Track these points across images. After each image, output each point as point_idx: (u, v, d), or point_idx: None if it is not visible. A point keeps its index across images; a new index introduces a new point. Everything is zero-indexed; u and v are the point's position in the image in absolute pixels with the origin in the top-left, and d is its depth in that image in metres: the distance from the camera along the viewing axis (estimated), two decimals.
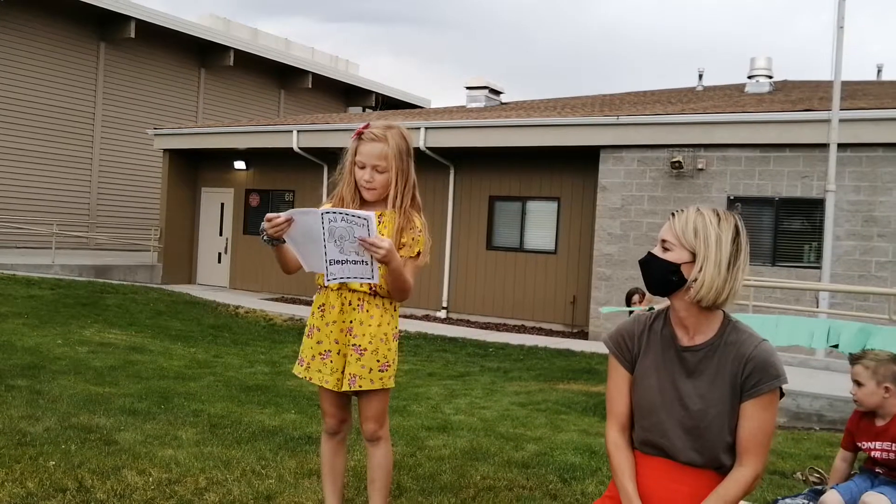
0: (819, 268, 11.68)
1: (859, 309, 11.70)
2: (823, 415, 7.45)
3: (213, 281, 20.34)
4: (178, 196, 20.34)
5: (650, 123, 13.88)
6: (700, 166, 13.43)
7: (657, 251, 2.38)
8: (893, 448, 3.56)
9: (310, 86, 29.83)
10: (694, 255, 2.30)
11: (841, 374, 8.45)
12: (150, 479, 4.08)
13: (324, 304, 3.16)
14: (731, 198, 13.27)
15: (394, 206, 3.11)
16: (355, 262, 2.86)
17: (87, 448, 4.57)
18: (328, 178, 18.08)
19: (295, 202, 18.75)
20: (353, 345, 3.10)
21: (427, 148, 15.82)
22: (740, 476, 2.29)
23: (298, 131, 17.73)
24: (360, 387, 3.08)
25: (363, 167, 3.09)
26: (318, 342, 3.16)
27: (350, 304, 3.11)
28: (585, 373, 10.03)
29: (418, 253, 3.13)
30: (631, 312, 9.27)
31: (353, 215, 2.78)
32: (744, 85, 18.17)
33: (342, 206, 3.07)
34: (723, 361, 2.34)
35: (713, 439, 2.32)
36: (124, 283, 17.42)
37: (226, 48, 26.25)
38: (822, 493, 3.76)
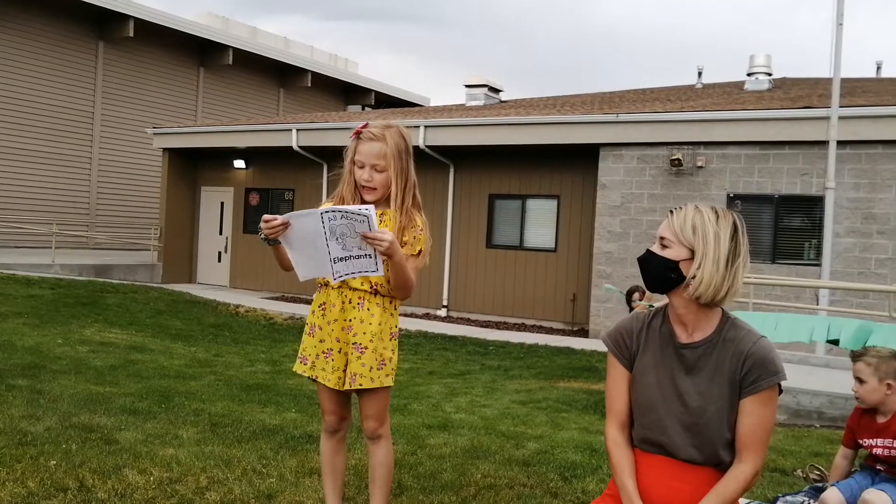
0: (819, 265, 11.68)
1: (859, 306, 11.71)
2: (823, 412, 7.46)
3: (213, 280, 20.34)
4: (178, 195, 20.34)
5: (650, 121, 13.88)
6: (700, 164, 13.43)
7: (656, 248, 2.38)
8: (895, 445, 3.57)
9: (309, 84, 29.82)
10: (692, 252, 2.30)
11: (841, 371, 8.46)
12: (151, 478, 4.08)
13: (324, 303, 3.17)
14: (731, 195, 13.27)
15: (394, 206, 3.11)
16: (359, 257, 2.86)
17: (87, 447, 4.57)
18: (328, 177, 18.09)
19: (295, 201, 18.75)
20: (353, 343, 3.10)
21: (426, 146, 15.82)
22: (740, 473, 2.29)
23: (298, 130, 17.73)
24: (361, 385, 3.08)
25: (362, 167, 3.10)
26: (320, 340, 3.16)
27: (350, 303, 3.12)
28: (586, 371, 10.03)
29: (420, 251, 3.13)
30: (631, 308, 9.23)
31: (353, 212, 2.78)
32: (743, 82, 18.17)
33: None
34: (722, 358, 2.34)
35: (712, 436, 2.33)
36: (124, 282, 17.42)
37: (225, 47, 26.24)
38: (822, 490, 3.77)
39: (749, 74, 17.90)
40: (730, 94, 17.14)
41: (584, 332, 14.62)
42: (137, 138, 23.76)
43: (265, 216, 2.90)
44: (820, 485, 3.99)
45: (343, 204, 3.10)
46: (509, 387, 8.67)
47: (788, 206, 13.01)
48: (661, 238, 2.37)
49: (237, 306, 15.10)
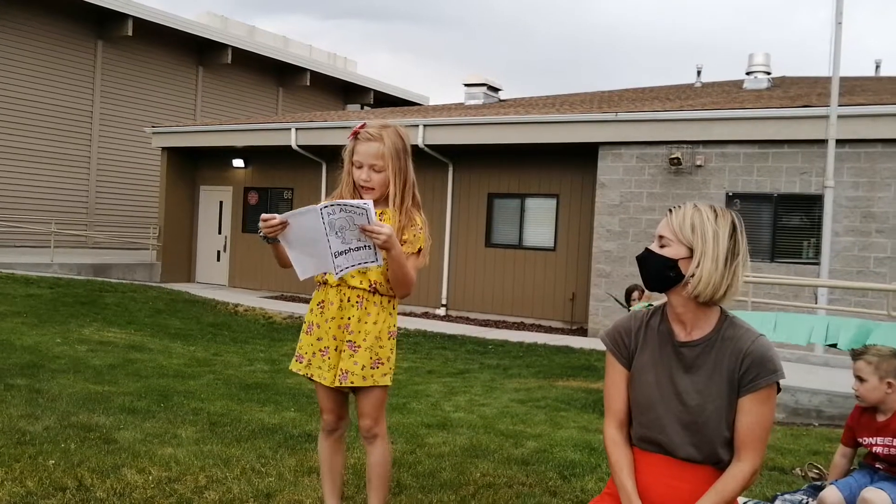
0: (818, 264, 11.68)
1: (858, 305, 11.71)
2: (822, 411, 7.46)
3: (212, 279, 20.34)
4: (177, 194, 20.33)
5: (649, 120, 13.89)
6: (699, 163, 13.44)
7: (654, 247, 2.38)
8: (894, 444, 3.57)
9: (308, 83, 29.80)
10: (691, 250, 2.30)
11: (840, 369, 8.47)
12: (150, 477, 4.08)
13: (323, 301, 3.17)
14: (730, 194, 13.27)
15: (393, 205, 3.11)
16: (358, 249, 2.87)
17: (86, 447, 4.57)
18: (326, 176, 18.09)
19: (294, 200, 18.74)
20: (348, 341, 3.10)
21: (425, 145, 15.82)
22: (738, 471, 2.29)
23: (297, 129, 17.72)
24: (352, 383, 3.08)
25: (360, 167, 3.11)
26: (318, 339, 3.16)
27: (349, 301, 3.12)
28: (585, 369, 10.04)
29: (419, 250, 3.14)
30: (629, 307, 9.23)
31: (351, 205, 2.79)
32: (742, 81, 18.17)
33: None
34: (720, 356, 2.34)
35: (711, 434, 2.33)
36: (123, 281, 17.42)
37: (224, 46, 26.22)
38: (821, 489, 3.77)
39: (748, 73, 17.90)
40: (729, 92, 17.15)
41: (583, 331, 14.62)
42: (136, 137, 23.75)
43: (264, 215, 2.92)
44: (819, 483, 3.99)
45: None
46: (508, 386, 8.67)
47: (787, 204, 13.02)
48: (660, 237, 2.37)
49: (236, 305, 15.10)
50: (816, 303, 10.84)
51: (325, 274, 3.15)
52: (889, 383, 3.58)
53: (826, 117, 11.29)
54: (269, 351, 10.37)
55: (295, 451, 4.81)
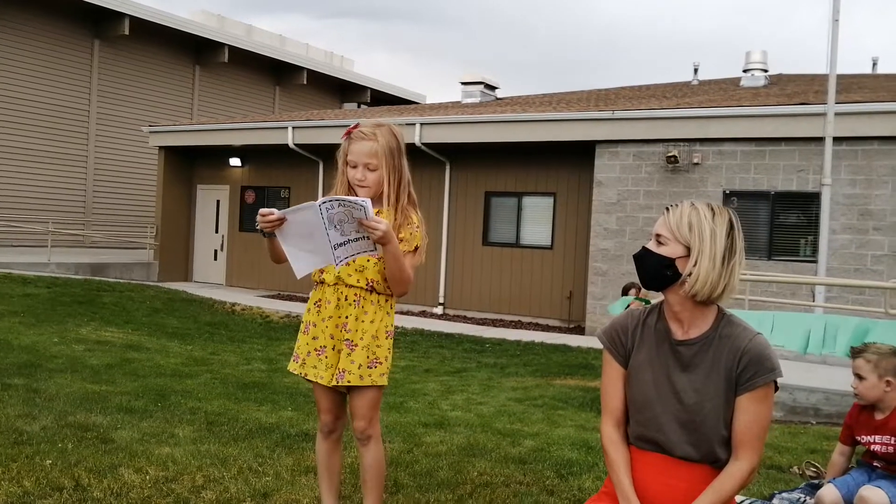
0: (815, 262, 11.70)
1: (855, 303, 11.73)
2: (820, 409, 7.47)
3: (209, 278, 20.33)
4: (174, 193, 20.32)
5: (645, 118, 13.89)
6: (696, 160, 13.44)
7: (652, 246, 2.38)
8: (893, 442, 3.57)
9: (305, 82, 29.79)
10: (688, 249, 2.30)
11: (837, 367, 8.47)
12: (147, 477, 4.07)
13: (320, 300, 3.17)
14: (727, 192, 13.28)
15: (388, 204, 3.11)
16: (357, 240, 2.89)
17: (83, 446, 4.57)
18: (323, 174, 18.09)
19: (290, 198, 18.73)
20: (346, 340, 3.10)
21: (422, 144, 15.81)
22: (736, 470, 2.29)
23: (293, 128, 17.71)
24: (349, 382, 3.08)
25: (355, 166, 3.11)
26: (313, 338, 3.16)
27: (346, 300, 3.12)
28: (582, 368, 10.04)
29: (416, 248, 3.14)
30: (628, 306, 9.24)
31: (349, 201, 2.80)
32: (739, 79, 18.18)
33: None
34: (718, 355, 2.34)
35: (708, 433, 2.32)
36: (120, 280, 17.39)
37: (220, 45, 26.20)
38: (818, 487, 3.77)
39: (745, 71, 17.91)
40: (726, 90, 17.16)
41: (580, 330, 14.63)
42: (133, 136, 23.73)
43: (262, 210, 2.92)
44: (816, 481, 3.99)
45: None
46: (505, 384, 8.67)
47: (784, 202, 13.02)
48: (658, 235, 2.37)
49: (233, 304, 15.08)
50: (814, 300, 10.86)
51: (322, 273, 3.15)
52: (888, 381, 3.58)
53: (823, 115, 11.30)
54: (266, 350, 10.37)
55: (292, 451, 4.81)
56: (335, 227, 2.84)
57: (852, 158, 12.32)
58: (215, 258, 20.37)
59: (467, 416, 6.54)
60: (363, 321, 3.10)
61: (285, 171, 18.92)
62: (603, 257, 14.28)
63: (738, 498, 3.06)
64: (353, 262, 3.05)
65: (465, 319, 15.68)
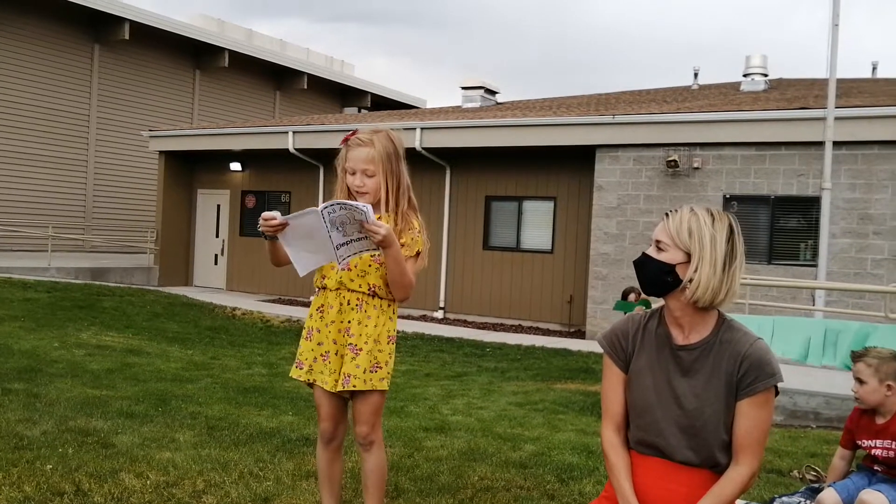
0: (815, 266, 11.69)
1: (855, 307, 11.72)
2: (820, 413, 7.47)
3: (209, 283, 20.32)
4: (174, 198, 20.32)
5: (646, 122, 13.90)
6: (696, 165, 13.45)
7: (651, 252, 2.38)
8: (894, 446, 3.57)
9: (305, 87, 29.83)
10: (689, 255, 2.30)
11: (838, 371, 8.45)
12: (148, 482, 4.07)
13: (322, 306, 3.17)
14: (727, 196, 13.28)
15: (388, 209, 3.12)
16: (359, 239, 2.91)
17: (84, 451, 4.56)
18: (324, 179, 18.09)
19: (291, 203, 18.73)
20: (349, 344, 3.10)
21: (423, 148, 15.82)
22: (736, 475, 2.29)
23: (294, 132, 17.71)
24: (354, 386, 3.08)
25: (353, 173, 3.12)
26: (318, 343, 3.16)
27: (349, 304, 3.12)
28: (582, 372, 10.04)
29: (417, 253, 3.14)
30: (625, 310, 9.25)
31: (351, 206, 2.81)
32: (739, 83, 18.19)
33: None
34: (718, 360, 2.34)
35: (709, 438, 2.33)
36: (121, 285, 17.40)
37: (221, 49, 26.25)
38: (819, 491, 3.77)
39: (745, 75, 17.93)
40: (726, 95, 17.17)
41: (580, 334, 14.62)
42: (133, 141, 23.76)
43: (265, 214, 2.93)
44: (816, 485, 3.99)
45: None
46: (506, 388, 8.67)
47: (785, 206, 13.02)
48: (657, 241, 2.37)
49: (234, 309, 15.08)
50: (814, 304, 10.85)
51: (324, 278, 3.16)
52: (889, 386, 3.58)
53: (823, 119, 11.31)
54: (266, 354, 10.37)
55: (293, 455, 4.81)
56: (337, 228, 2.86)
57: (852, 163, 12.33)
58: (216, 262, 20.37)
59: (468, 421, 6.54)
60: (366, 325, 3.10)
61: (286, 176, 18.92)
62: (603, 261, 14.28)
63: (739, 502, 3.06)
64: (360, 258, 3.06)
65: (465, 323, 15.68)
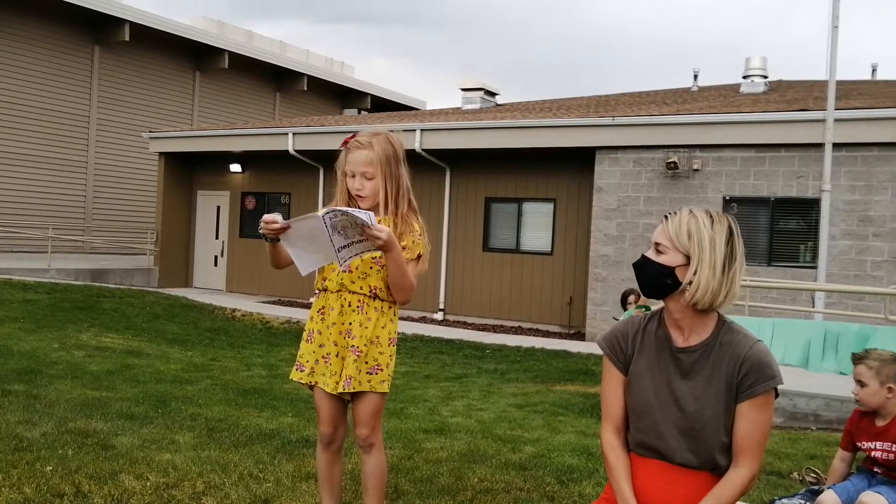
0: (815, 268, 11.70)
1: (855, 308, 11.72)
2: (820, 415, 7.46)
3: (209, 284, 20.32)
4: (174, 199, 20.33)
5: (645, 124, 13.90)
6: (696, 167, 13.45)
7: (651, 254, 2.38)
8: (894, 448, 3.57)
9: (305, 88, 29.83)
10: (688, 257, 2.30)
11: (837, 373, 8.46)
12: (148, 483, 4.07)
13: (323, 308, 3.17)
14: (727, 198, 13.29)
15: (387, 212, 3.12)
16: (360, 241, 2.91)
17: (84, 453, 4.56)
18: (324, 181, 18.10)
19: (291, 205, 18.74)
20: (350, 346, 3.10)
21: (423, 150, 15.83)
22: (736, 477, 2.29)
23: (294, 134, 17.72)
24: (355, 388, 3.08)
25: (353, 176, 3.12)
26: (320, 345, 3.16)
27: (350, 306, 3.12)
28: (582, 374, 10.03)
29: (418, 256, 3.14)
30: (625, 310, 9.22)
31: (352, 213, 2.82)
32: (739, 85, 18.21)
33: None
34: (718, 362, 2.34)
35: (709, 440, 2.33)
36: (120, 286, 17.39)
37: (221, 51, 26.26)
38: (818, 493, 3.77)
39: (745, 77, 17.94)
40: (725, 96, 17.18)
41: (580, 335, 14.62)
42: (133, 142, 23.76)
43: (266, 216, 2.92)
44: (816, 487, 3.99)
45: None
46: (506, 390, 8.67)
47: (784, 208, 13.03)
48: (657, 244, 2.37)
49: (233, 310, 15.08)
50: (814, 306, 10.85)
51: (325, 280, 3.16)
52: (889, 388, 3.58)
53: (823, 121, 11.32)
54: (266, 356, 10.36)
55: (293, 457, 4.81)
56: (339, 232, 2.87)
57: (852, 164, 12.33)
58: (215, 264, 20.38)
59: (468, 422, 6.54)
60: (367, 327, 3.10)
61: (286, 178, 18.93)
62: (603, 263, 14.28)
63: None
64: (361, 259, 3.06)
65: (465, 325, 15.68)
